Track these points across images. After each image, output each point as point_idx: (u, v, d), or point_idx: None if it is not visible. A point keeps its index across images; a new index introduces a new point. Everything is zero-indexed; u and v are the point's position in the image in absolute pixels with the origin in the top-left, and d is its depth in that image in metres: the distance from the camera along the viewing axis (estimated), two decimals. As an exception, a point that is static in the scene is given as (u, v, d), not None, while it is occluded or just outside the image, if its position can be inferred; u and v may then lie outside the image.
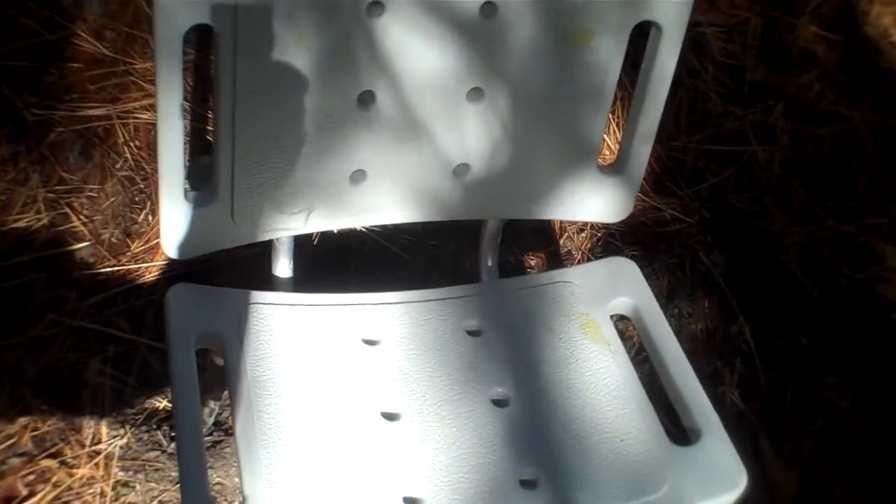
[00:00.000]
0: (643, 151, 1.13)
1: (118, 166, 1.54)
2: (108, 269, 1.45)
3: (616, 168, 1.16)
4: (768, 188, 1.64)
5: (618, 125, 1.58)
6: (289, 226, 1.09)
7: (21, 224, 1.45)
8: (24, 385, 1.35)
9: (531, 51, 1.02)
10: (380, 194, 1.10)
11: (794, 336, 1.53)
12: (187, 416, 0.96)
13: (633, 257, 1.31)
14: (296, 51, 0.94)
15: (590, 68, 1.05)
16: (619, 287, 1.19)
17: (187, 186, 0.99)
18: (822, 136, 1.72)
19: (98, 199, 1.51)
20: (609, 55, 1.04)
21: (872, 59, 1.89)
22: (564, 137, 1.11)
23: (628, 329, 1.31)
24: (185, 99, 1.31)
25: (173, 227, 1.02)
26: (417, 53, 0.99)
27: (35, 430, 1.33)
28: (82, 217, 1.49)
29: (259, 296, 1.10)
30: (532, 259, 1.54)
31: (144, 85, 1.58)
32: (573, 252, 1.52)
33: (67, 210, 1.49)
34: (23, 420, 1.34)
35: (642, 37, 1.05)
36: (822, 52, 1.83)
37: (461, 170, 1.11)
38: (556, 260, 1.53)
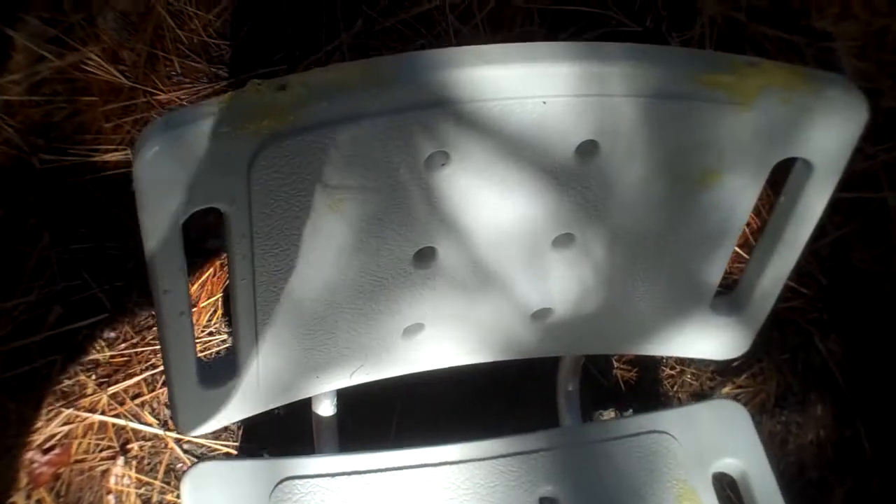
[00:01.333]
0: (771, 294, 0.90)
1: (140, 221, 1.34)
2: (132, 348, 1.28)
3: (734, 307, 0.93)
4: (898, 245, 1.38)
5: (739, 252, 1.31)
6: (328, 384, 0.89)
7: (31, 296, 1.27)
8: (42, 490, 1.20)
9: (639, 193, 0.79)
10: (439, 344, 0.90)
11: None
12: None
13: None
14: (330, 219, 0.72)
15: (713, 208, 0.81)
16: (726, 443, 0.98)
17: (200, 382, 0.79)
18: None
19: (118, 261, 1.33)
20: (740, 195, 0.80)
21: None
22: (674, 277, 0.88)
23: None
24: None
25: (186, 409, 0.83)
26: (489, 204, 0.76)
27: (55, 541, 1.19)
28: (102, 282, 1.31)
29: (296, 466, 0.91)
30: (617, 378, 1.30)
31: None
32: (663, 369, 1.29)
33: (84, 275, 1.30)
34: (41, 531, 1.20)
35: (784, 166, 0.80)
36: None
37: (541, 314, 0.89)
38: (646, 387, 1.30)
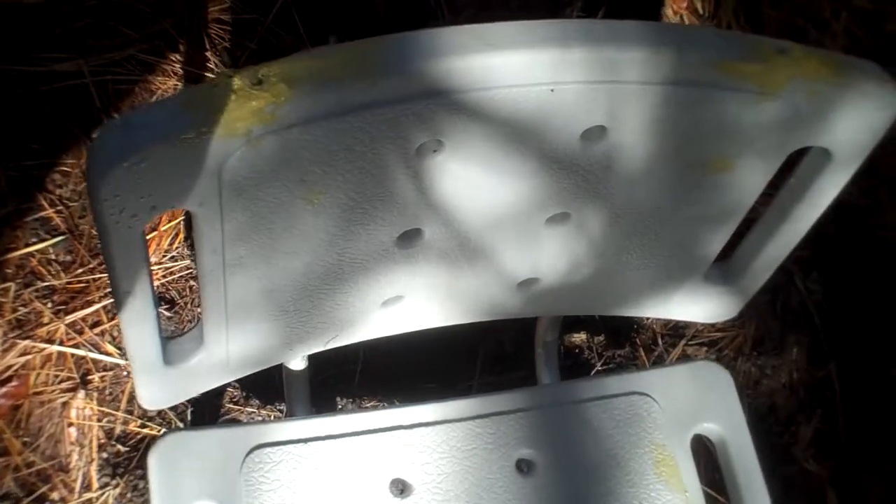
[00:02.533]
0: (767, 269, 0.85)
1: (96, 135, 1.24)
2: (90, 274, 1.21)
3: (727, 277, 0.88)
4: (886, 178, 1.33)
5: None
6: (301, 352, 0.84)
7: (-21, 217, 1.19)
8: (2, 423, 1.16)
9: (645, 177, 0.72)
10: (418, 311, 0.85)
11: (886, 373, 1.30)
12: None
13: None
14: (308, 212, 0.65)
15: (721, 193, 0.75)
16: (706, 407, 0.96)
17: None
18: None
19: (73, 178, 1.24)
20: (750, 180, 0.74)
21: None
22: (671, 254, 0.84)
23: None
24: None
25: (150, 387, 0.78)
26: (482, 188, 0.70)
27: (17, 471, 1.16)
28: (55, 202, 1.23)
29: (267, 432, 0.87)
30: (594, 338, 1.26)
31: (124, 29, 1.25)
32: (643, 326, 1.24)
33: (36, 194, 1.22)
34: (2, 461, 1.16)
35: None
36: None
37: (528, 282, 0.84)
38: (622, 339, 1.26)
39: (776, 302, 1.26)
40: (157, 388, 0.78)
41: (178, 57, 1.30)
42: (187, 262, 1.26)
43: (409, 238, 0.73)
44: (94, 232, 1.24)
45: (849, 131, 0.69)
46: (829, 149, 0.71)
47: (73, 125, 1.23)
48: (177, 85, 1.28)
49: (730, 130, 0.68)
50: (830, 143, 0.70)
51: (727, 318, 0.94)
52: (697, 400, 0.97)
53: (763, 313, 1.25)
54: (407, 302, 0.83)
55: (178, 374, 0.78)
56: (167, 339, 0.76)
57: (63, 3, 1.21)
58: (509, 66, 0.60)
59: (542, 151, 0.68)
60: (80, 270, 1.22)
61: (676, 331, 1.27)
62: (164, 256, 1.26)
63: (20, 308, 1.18)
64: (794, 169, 0.76)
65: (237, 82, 0.54)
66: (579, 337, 1.29)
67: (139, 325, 0.66)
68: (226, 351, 0.78)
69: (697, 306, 0.93)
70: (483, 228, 0.75)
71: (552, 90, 0.62)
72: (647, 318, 1.27)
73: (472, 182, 0.69)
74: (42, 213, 1.21)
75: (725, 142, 0.69)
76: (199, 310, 1.09)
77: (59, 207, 1.23)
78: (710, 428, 0.96)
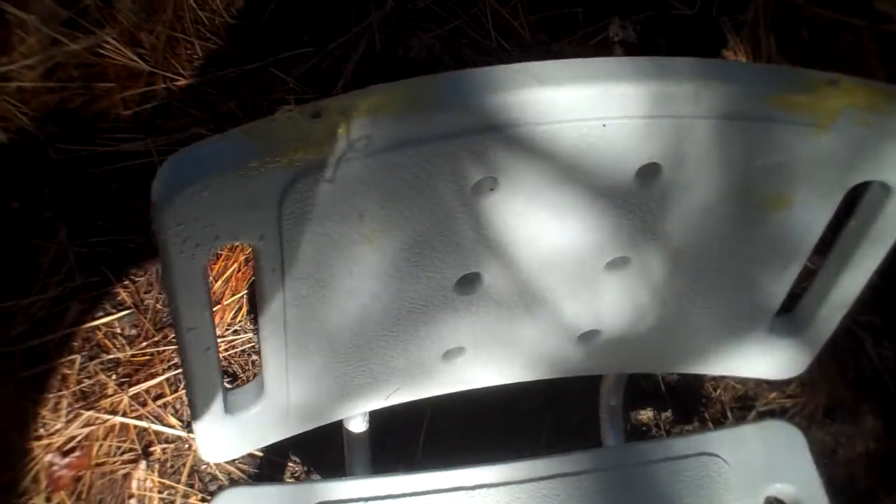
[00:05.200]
0: (834, 317, 0.83)
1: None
2: (154, 347, 1.23)
3: (794, 328, 0.86)
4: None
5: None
6: (362, 407, 0.84)
7: (49, 292, 1.23)
8: (63, 494, 1.17)
9: (702, 216, 0.72)
10: (481, 366, 0.84)
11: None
12: None
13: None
14: (366, 250, 0.66)
15: (782, 233, 0.75)
16: (779, 467, 0.92)
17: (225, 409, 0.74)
18: None
19: (139, 253, 1.28)
20: (811, 218, 0.74)
21: None
22: (734, 301, 0.82)
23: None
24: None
25: (211, 438, 0.78)
26: (540, 229, 0.70)
27: (77, 546, 1.16)
28: (122, 277, 1.26)
29: (327, 490, 0.87)
30: (661, 413, 1.23)
31: (191, 110, 1.30)
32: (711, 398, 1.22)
33: (103, 269, 1.25)
34: (63, 535, 1.16)
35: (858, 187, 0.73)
36: None
37: (589, 335, 0.84)
38: (688, 392, 1.23)
39: (847, 369, 1.23)
40: (217, 439, 0.78)
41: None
42: (249, 335, 1.27)
43: (469, 283, 0.74)
44: (159, 306, 1.26)
45: (905, 163, 0.68)
46: (888, 182, 0.70)
47: (139, 202, 1.28)
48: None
49: (785, 164, 0.68)
50: (888, 176, 0.70)
51: (795, 373, 0.92)
52: (769, 460, 0.94)
53: (833, 380, 1.21)
54: (468, 356, 0.83)
55: (239, 424, 0.78)
56: (229, 389, 0.77)
57: (131, 86, 1.27)
58: (559, 101, 0.61)
59: (597, 190, 0.68)
60: (144, 343, 1.24)
61: (745, 401, 1.24)
62: (226, 330, 1.28)
63: (85, 380, 1.20)
64: (854, 209, 0.75)
65: (296, 115, 0.56)
66: (646, 414, 1.27)
67: (200, 364, 0.67)
68: (286, 400, 0.78)
69: (763, 361, 0.90)
70: (541, 273, 0.75)
71: (604, 125, 0.63)
72: (716, 391, 1.24)
73: (528, 222, 0.69)
74: (109, 288, 1.25)
75: (782, 177, 0.69)
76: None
77: (126, 282, 1.26)
78: (783, 489, 0.92)
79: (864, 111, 0.65)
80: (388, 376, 0.81)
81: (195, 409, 0.74)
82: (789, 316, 0.87)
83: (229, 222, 0.57)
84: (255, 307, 0.82)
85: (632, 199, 0.69)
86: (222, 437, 0.78)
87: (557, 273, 0.75)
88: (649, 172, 0.68)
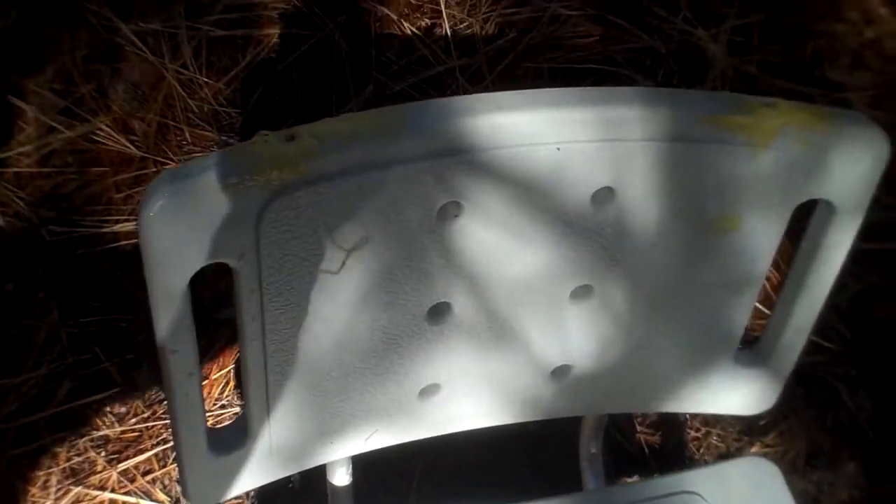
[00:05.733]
0: (796, 344, 0.87)
1: (151, 292, 1.32)
2: (143, 423, 1.25)
3: (759, 359, 0.90)
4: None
5: (762, 303, 1.28)
6: (343, 450, 0.86)
7: (40, 370, 1.25)
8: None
9: (657, 240, 0.77)
10: (457, 405, 0.87)
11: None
12: None
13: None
14: (339, 276, 0.70)
15: (735, 255, 0.79)
16: (758, 502, 0.94)
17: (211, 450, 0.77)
18: None
19: (128, 332, 1.31)
20: (761, 239, 0.78)
21: None
22: (697, 329, 0.86)
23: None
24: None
25: (197, 478, 0.80)
26: (505, 256, 0.75)
27: None
28: (111, 356, 1.29)
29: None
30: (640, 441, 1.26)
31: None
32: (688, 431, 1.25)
33: (94, 348, 1.28)
34: None
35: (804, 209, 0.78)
36: None
37: (561, 370, 0.86)
38: (670, 447, 1.25)
39: (825, 417, 1.25)
40: (202, 480, 0.80)
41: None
42: (236, 408, 1.29)
43: (439, 313, 0.77)
44: (148, 383, 1.29)
45: (845, 178, 0.73)
46: (831, 200, 0.75)
47: (129, 283, 1.31)
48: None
49: (730, 185, 0.72)
50: (830, 194, 0.74)
51: (765, 408, 0.94)
52: (748, 496, 0.95)
53: (812, 427, 1.23)
54: (444, 394, 0.85)
55: (224, 465, 0.80)
56: (213, 429, 0.79)
57: (123, 171, 1.33)
58: (517, 126, 0.67)
59: (555, 215, 0.73)
60: (133, 420, 1.25)
61: (726, 451, 1.25)
62: (214, 405, 1.29)
63: (75, 457, 1.22)
64: (802, 234, 0.80)
65: (272, 139, 0.61)
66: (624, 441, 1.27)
67: (183, 390, 0.70)
68: (268, 441, 0.80)
69: (733, 396, 0.93)
70: (509, 303, 0.78)
71: (559, 148, 0.68)
72: (696, 440, 1.25)
73: (493, 248, 0.73)
74: (99, 367, 1.27)
75: (727, 197, 0.73)
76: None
77: (116, 360, 1.28)
78: (764, 526, 0.94)
79: (801, 130, 0.70)
80: (366, 415, 0.83)
81: (180, 445, 0.76)
82: (753, 348, 0.90)
83: (210, 240, 0.61)
84: (241, 383, 0.85)
85: (589, 225, 0.74)
86: (207, 477, 0.80)
87: (525, 303, 0.79)
88: (604, 197, 0.72)
